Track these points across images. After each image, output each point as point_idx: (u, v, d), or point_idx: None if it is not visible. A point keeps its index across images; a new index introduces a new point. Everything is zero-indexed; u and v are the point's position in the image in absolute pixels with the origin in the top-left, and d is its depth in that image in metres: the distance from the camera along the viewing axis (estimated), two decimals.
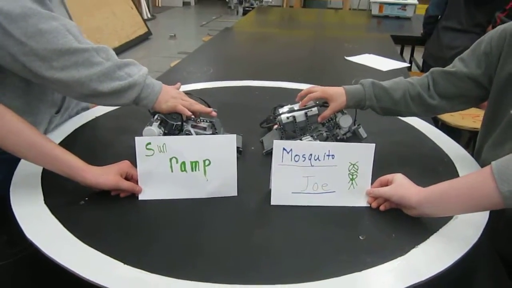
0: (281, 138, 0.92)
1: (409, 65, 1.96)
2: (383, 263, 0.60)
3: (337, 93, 0.90)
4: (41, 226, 0.67)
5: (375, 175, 0.74)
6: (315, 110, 0.91)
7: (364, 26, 3.06)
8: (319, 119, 0.91)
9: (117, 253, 0.61)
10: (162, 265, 0.59)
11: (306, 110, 0.91)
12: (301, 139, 0.89)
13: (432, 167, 0.88)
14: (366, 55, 2.05)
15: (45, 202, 0.73)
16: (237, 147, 0.89)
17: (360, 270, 0.59)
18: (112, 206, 0.74)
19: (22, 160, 0.85)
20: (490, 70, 0.85)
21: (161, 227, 0.69)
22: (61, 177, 0.80)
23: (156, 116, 0.89)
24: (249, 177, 0.83)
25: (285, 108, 0.94)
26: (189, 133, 0.88)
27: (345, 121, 0.92)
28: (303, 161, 0.72)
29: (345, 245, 0.65)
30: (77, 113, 1.11)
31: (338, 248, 0.64)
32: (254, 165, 0.90)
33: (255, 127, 1.04)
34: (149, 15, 7.13)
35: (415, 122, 1.09)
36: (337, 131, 0.93)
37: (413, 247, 0.63)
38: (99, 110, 1.12)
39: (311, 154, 0.72)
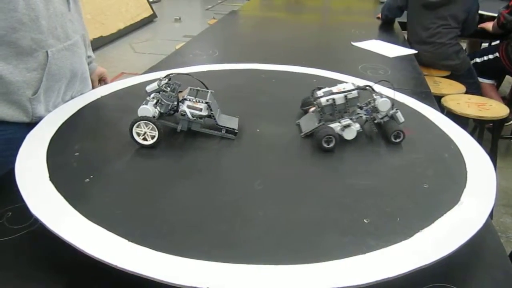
0: (319, 121, 0.92)
1: (415, 52, 1.94)
2: (387, 246, 0.60)
3: None
4: (46, 203, 0.67)
5: (380, 160, 0.74)
6: (355, 93, 0.91)
7: (371, 11, 3.03)
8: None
9: (122, 230, 0.61)
10: (168, 243, 0.59)
11: (346, 93, 0.90)
12: (339, 122, 0.89)
13: (438, 154, 0.88)
14: (373, 40, 2.03)
15: (50, 179, 0.73)
16: (233, 129, 0.89)
17: (364, 253, 0.59)
18: (117, 184, 0.74)
19: (27, 138, 0.85)
20: None
21: (167, 206, 0.69)
22: (66, 155, 0.80)
23: (152, 95, 0.89)
24: (248, 159, 0.83)
25: (323, 91, 0.93)
26: (184, 114, 0.87)
27: (384, 105, 0.91)
28: None
29: (349, 228, 0.65)
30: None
31: (342, 231, 0.64)
32: (255, 147, 0.89)
33: (261, 111, 1.04)
34: None
35: (421, 109, 1.08)
36: (375, 115, 0.93)
37: (418, 231, 0.63)
38: (104, 90, 1.12)
39: None
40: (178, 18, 6.10)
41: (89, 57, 1.22)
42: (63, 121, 0.94)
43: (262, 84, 1.24)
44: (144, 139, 0.85)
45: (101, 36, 5.01)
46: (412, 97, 1.15)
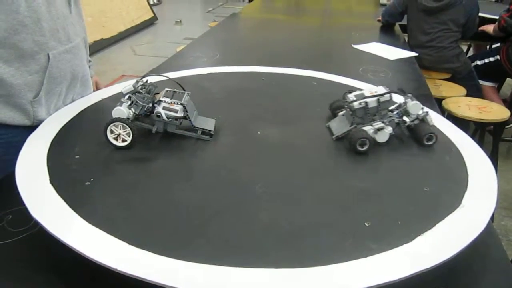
0: (351, 124, 0.92)
1: (416, 54, 1.94)
2: (388, 249, 0.60)
3: None
4: (46, 206, 0.67)
5: (381, 163, 0.74)
6: (387, 96, 0.91)
7: (371, 14, 3.03)
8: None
9: (122, 233, 0.61)
10: (168, 246, 0.59)
11: (379, 96, 0.90)
12: (372, 125, 0.90)
13: (439, 157, 0.87)
14: (374, 43, 2.03)
15: (51, 182, 0.73)
16: (208, 130, 0.90)
17: (366, 256, 0.59)
18: (117, 187, 0.74)
19: (27, 140, 0.85)
20: None
21: (167, 209, 0.69)
22: (66, 158, 0.80)
23: (126, 97, 0.88)
24: (249, 162, 0.83)
25: (354, 94, 0.93)
26: (160, 115, 0.87)
27: (415, 108, 0.92)
28: None
29: (350, 231, 0.64)
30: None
31: (343, 234, 0.64)
32: (255, 150, 0.89)
33: (261, 113, 1.04)
34: (155, 0, 7.10)
35: None
36: (405, 118, 0.93)
37: (419, 235, 0.63)
38: (104, 93, 1.12)
39: None
40: (179, 20, 6.11)
41: (89, 61, 1.22)
42: (64, 124, 0.94)
43: (263, 87, 1.24)
44: (120, 140, 0.85)
45: (102, 39, 5.02)
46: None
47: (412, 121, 0.93)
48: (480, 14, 2.63)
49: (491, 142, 2.37)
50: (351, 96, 0.93)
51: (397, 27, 2.61)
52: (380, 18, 2.65)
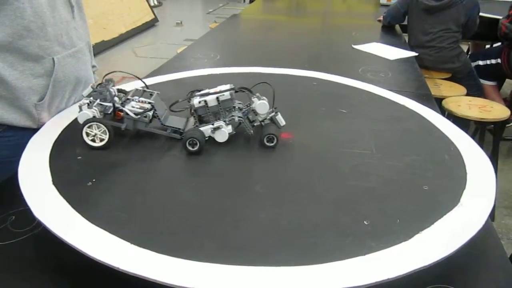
0: (195, 123, 0.91)
1: (416, 54, 1.95)
2: (387, 247, 0.61)
3: None
4: (49, 207, 0.67)
5: (381, 162, 0.74)
6: (227, 94, 0.89)
7: (372, 14, 3.04)
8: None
9: (124, 233, 0.62)
10: (170, 245, 0.60)
11: (218, 95, 0.89)
12: (213, 124, 0.88)
13: (438, 156, 0.88)
14: (374, 43, 2.04)
15: (53, 183, 0.73)
16: (178, 129, 0.91)
17: (364, 254, 0.59)
18: (119, 187, 0.75)
19: (30, 142, 0.86)
20: None
21: (169, 208, 0.70)
22: (69, 159, 0.81)
23: (86, 100, 0.88)
24: (250, 162, 0.83)
25: (201, 93, 0.92)
26: (128, 114, 0.88)
27: (262, 108, 0.90)
28: None
29: (349, 230, 0.65)
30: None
31: (342, 232, 0.64)
32: (255, 150, 0.89)
33: None
34: (156, 2, 7.11)
35: (421, 111, 1.09)
36: (256, 117, 0.92)
37: (418, 233, 0.64)
38: None
39: None
40: (179, 22, 6.12)
41: (93, 66, 1.23)
42: (66, 125, 0.95)
43: (263, 87, 1.25)
44: (98, 140, 0.86)
45: (103, 41, 5.03)
46: (413, 99, 1.16)
47: (263, 120, 0.92)
48: (480, 14, 2.64)
49: (491, 141, 2.37)
50: (197, 95, 0.91)
51: (397, 27, 2.62)
52: (380, 18, 2.66)
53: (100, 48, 4.89)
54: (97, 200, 0.71)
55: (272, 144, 0.89)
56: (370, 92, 1.20)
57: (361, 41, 2.04)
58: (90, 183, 0.75)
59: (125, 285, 0.59)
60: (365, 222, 0.67)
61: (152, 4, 6.56)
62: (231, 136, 0.89)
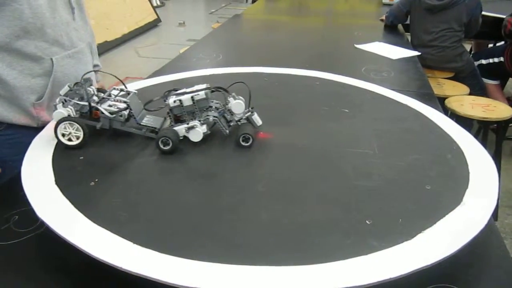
0: (170, 123, 0.91)
1: (419, 53, 1.94)
2: (389, 247, 0.61)
3: None
4: (52, 206, 0.68)
5: (383, 161, 0.74)
6: (202, 94, 0.89)
7: (374, 14, 3.03)
8: None
9: (127, 232, 0.62)
10: (172, 245, 0.60)
11: (193, 94, 0.89)
12: (187, 124, 0.88)
13: (441, 155, 0.88)
14: (376, 43, 2.03)
15: (56, 183, 0.74)
16: (154, 128, 0.90)
17: (367, 254, 0.59)
18: (121, 187, 0.75)
19: (33, 142, 0.87)
20: None
21: (171, 208, 0.70)
22: (71, 159, 0.81)
23: (62, 99, 0.88)
24: (252, 162, 0.83)
25: (177, 92, 0.92)
26: (103, 113, 0.88)
27: (237, 107, 0.90)
28: None
29: (352, 229, 0.65)
30: None
31: (345, 232, 0.64)
32: (258, 150, 0.89)
33: (264, 114, 1.04)
34: (158, 2, 7.12)
35: (424, 110, 1.09)
36: (232, 117, 0.92)
37: (420, 232, 0.64)
38: None
39: None
40: (182, 22, 6.13)
41: (95, 65, 1.23)
42: None
43: (265, 87, 1.25)
44: (74, 139, 0.86)
45: (106, 41, 5.04)
46: (416, 98, 1.15)
47: (239, 120, 0.92)
48: (484, 12, 2.63)
49: (494, 140, 2.36)
50: (172, 95, 0.91)
51: (399, 27, 2.61)
52: (383, 18, 2.65)
53: (102, 49, 4.90)
54: (99, 200, 0.71)
55: (247, 144, 0.88)
56: (373, 92, 1.20)
57: (364, 40, 2.04)
58: (92, 183, 0.75)
59: (127, 285, 0.59)
60: (367, 221, 0.67)
61: (154, 4, 6.57)
62: (233, 135, 0.89)
